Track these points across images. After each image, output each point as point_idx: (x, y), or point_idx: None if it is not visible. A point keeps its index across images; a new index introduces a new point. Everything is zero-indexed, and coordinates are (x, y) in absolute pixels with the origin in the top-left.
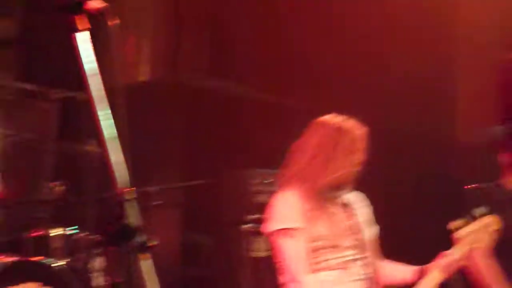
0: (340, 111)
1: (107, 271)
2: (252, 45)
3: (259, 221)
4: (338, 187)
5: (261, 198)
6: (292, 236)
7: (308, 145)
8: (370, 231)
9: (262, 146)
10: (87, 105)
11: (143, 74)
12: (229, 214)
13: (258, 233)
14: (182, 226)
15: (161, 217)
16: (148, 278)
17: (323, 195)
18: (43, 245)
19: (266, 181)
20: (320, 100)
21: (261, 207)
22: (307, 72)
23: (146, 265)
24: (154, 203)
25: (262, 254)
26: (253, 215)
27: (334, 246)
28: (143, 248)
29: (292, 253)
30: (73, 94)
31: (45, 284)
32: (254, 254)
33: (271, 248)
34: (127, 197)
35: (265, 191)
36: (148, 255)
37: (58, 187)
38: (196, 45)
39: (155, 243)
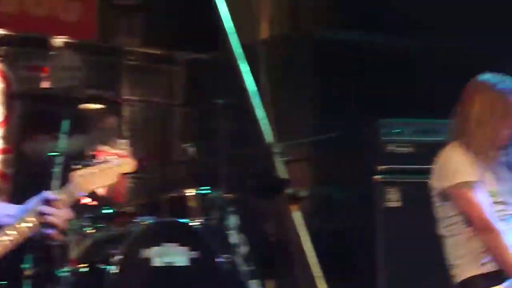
0: None
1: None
2: None
3: (391, 172)
4: (500, 148)
5: (391, 148)
6: (476, 188)
7: (469, 108)
8: None
9: (392, 95)
10: (214, 65)
11: (264, 30)
12: (361, 165)
13: (390, 184)
14: (313, 180)
15: (292, 172)
16: (299, 228)
17: (488, 155)
18: (180, 206)
19: (395, 131)
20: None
21: (392, 158)
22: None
23: (297, 216)
24: (285, 158)
25: (396, 204)
26: (385, 165)
27: (500, 202)
28: (294, 199)
29: (482, 203)
30: (199, 56)
31: (182, 244)
32: (388, 204)
33: (453, 200)
34: (273, 150)
35: (396, 141)
36: (298, 206)
37: (190, 148)
38: None
39: (304, 194)
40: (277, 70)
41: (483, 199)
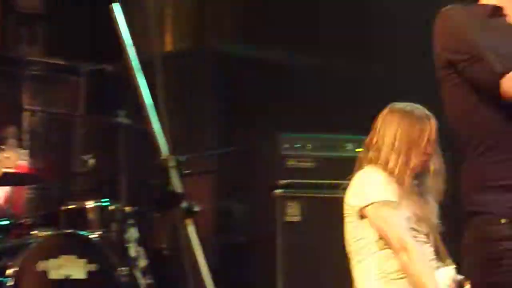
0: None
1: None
2: (282, 6)
3: (291, 186)
4: (415, 176)
5: (292, 162)
6: (395, 207)
7: (383, 135)
8: (436, 222)
9: (293, 110)
10: (116, 77)
11: (169, 44)
12: (261, 180)
13: (291, 198)
14: (214, 194)
15: (193, 185)
16: (194, 243)
17: (403, 181)
18: (79, 218)
19: (297, 146)
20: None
21: (293, 172)
22: (346, 34)
23: (191, 230)
24: (186, 171)
25: (296, 219)
26: (286, 180)
27: (412, 229)
28: (188, 213)
29: (399, 223)
30: (102, 67)
31: (81, 256)
32: (288, 219)
33: (370, 219)
34: (169, 164)
35: (297, 156)
36: (192, 220)
37: (90, 160)
38: (221, 10)
39: (198, 209)
40: (181, 83)
41: (401, 219)
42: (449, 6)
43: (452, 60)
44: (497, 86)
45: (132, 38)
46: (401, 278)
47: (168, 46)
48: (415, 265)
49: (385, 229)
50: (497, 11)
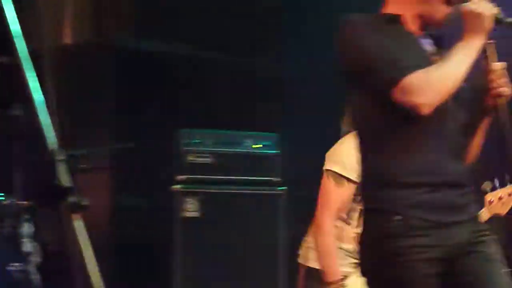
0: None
1: (38, 234)
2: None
3: (190, 182)
4: None
5: (190, 158)
6: (339, 182)
7: None
8: None
9: (192, 106)
10: (11, 69)
11: (67, 36)
12: (160, 175)
13: (189, 194)
14: (112, 189)
15: (90, 181)
16: (81, 238)
17: None
18: None
19: (195, 141)
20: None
21: (191, 167)
22: (247, 28)
23: (78, 225)
24: (82, 166)
25: (195, 214)
26: (184, 175)
27: None
28: (76, 208)
29: (329, 198)
30: None
31: None
32: (187, 214)
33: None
34: (56, 157)
35: (195, 151)
36: (80, 215)
37: None
38: (120, 3)
39: (87, 203)
40: (79, 76)
41: (336, 197)
42: (349, 16)
43: (349, 69)
44: (390, 95)
45: (24, 29)
46: None
47: (67, 38)
48: (323, 246)
49: (319, 198)
50: (395, 19)
